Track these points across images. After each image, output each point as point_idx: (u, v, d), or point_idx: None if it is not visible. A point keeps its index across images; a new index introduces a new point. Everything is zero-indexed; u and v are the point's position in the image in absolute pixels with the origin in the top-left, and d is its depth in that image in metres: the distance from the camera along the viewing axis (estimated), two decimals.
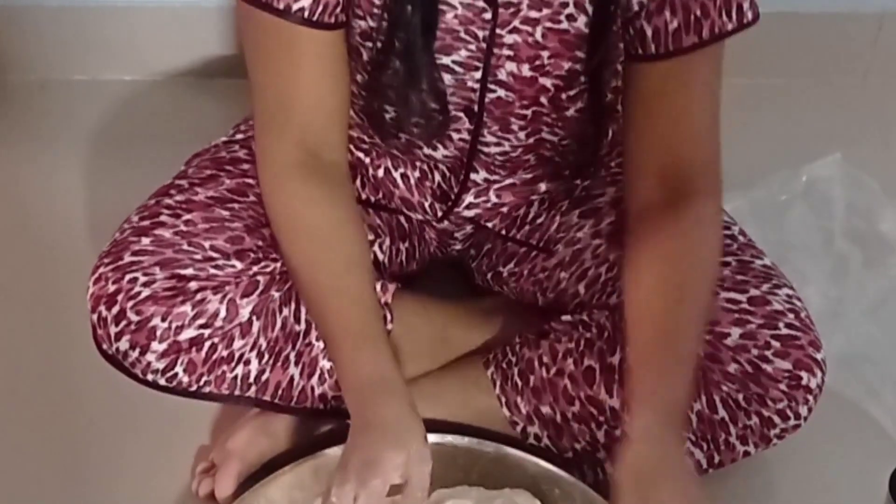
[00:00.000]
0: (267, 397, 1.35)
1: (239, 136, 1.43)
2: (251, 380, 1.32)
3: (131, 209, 1.33)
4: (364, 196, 1.44)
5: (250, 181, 1.34)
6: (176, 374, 1.28)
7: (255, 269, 1.28)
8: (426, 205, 1.44)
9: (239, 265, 1.27)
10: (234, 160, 1.38)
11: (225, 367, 1.30)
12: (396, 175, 1.43)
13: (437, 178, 1.41)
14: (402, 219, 1.47)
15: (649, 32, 1.20)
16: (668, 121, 1.24)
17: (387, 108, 1.29)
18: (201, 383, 1.30)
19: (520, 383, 1.37)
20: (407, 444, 1.15)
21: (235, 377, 1.31)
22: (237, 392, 1.33)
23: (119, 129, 2.01)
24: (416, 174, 1.42)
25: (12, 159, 1.94)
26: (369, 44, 1.24)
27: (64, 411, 1.53)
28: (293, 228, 1.26)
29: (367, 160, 1.41)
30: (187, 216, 1.29)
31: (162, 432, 1.48)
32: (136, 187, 1.39)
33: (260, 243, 1.29)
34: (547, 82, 1.27)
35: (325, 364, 1.35)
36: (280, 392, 1.35)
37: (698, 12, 1.19)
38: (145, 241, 1.26)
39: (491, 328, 1.50)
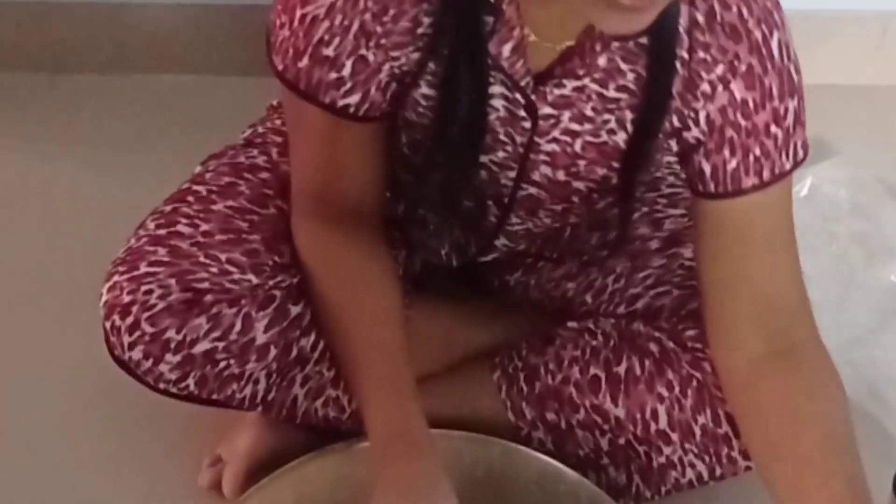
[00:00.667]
0: (272, 415, 1.36)
1: (258, 140, 1.41)
2: (258, 400, 1.32)
3: (144, 208, 1.32)
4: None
5: (269, 192, 1.32)
6: (187, 386, 1.28)
7: (271, 283, 1.26)
8: (442, 252, 1.44)
9: (255, 279, 1.25)
10: (253, 167, 1.36)
11: (235, 386, 1.29)
12: (414, 213, 1.41)
13: (457, 231, 1.41)
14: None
15: (707, 170, 1.19)
16: (756, 265, 1.21)
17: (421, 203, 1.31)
18: (211, 398, 1.30)
19: (525, 389, 1.38)
20: (434, 500, 1.16)
21: (244, 397, 1.31)
22: (245, 407, 1.34)
23: (131, 127, 2.02)
24: (436, 218, 1.40)
25: (22, 156, 1.95)
26: (413, 134, 1.25)
27: (74, 407, 1.55)
28: (328, 277, 1.25)
29: (388, 193, 1.38)
30: (205, 226, 1.27)
31: (172, 426, 1.49)
32: (150, 186, 1.39)
33: (277, 259, 1.27)
34: (580, 185, 1.27)
35: (332, 392, 1.36)
36: (284, 412, 1.35)
37: (758, 152, 1.17)
38: (161, 251, 1.24)
39: (498, 329, 1.51)
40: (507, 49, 1.14)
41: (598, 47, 1.15)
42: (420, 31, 1.14)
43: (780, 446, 1.19)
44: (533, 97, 1.19)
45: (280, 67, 1.17)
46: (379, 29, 1.13)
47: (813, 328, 1.24)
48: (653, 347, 1.34)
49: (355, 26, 1.13)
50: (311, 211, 1.26)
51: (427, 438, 1.21)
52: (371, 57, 1.15)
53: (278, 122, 1.42)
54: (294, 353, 1.30)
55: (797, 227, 1.35)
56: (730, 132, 1.17)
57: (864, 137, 2.00)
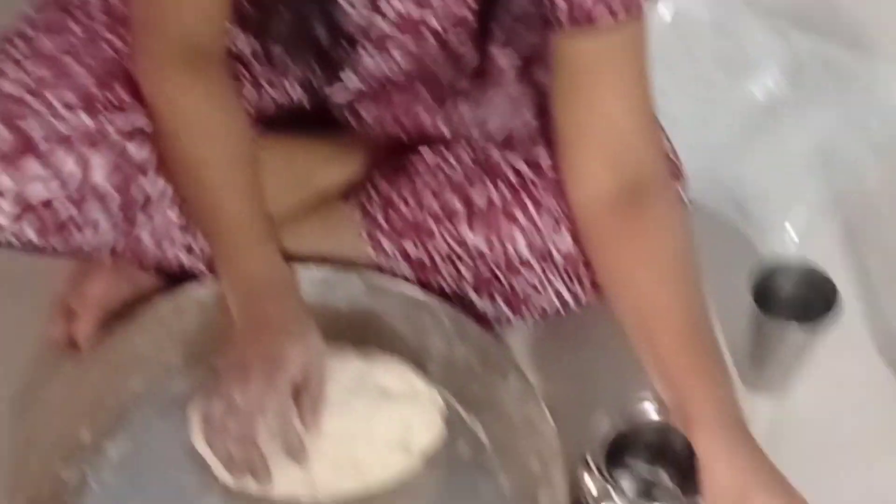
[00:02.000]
0: (121, 262, 1.33)
1: None
2: (103, 246, 1.29)
3: None
4: None
5: (102, 29, 1.27)
6: (27, 235, 1.23)
7: (107, 124, 1.22)
8: (286, 86, 1.39)
9: (89, 121, 1.21)
10: (85, 4, 1.30)
11: (77, 233, 1.26)
12: (258, 47, 1.37)
13: (305, 67, 1.35)
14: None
15: (561, 2, 1.17)
16: (608, 103, 1.21)
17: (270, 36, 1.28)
18: (52, 245, 1.26)
19: (383, 222, 1.36)
20: (306, 340, 1.18)
21: (88, 244, 1.27)
22: (91, 255, 1.30)
23: None
24: (283, 53, 1.35)
25: None
26: None
27: None
28: (179, 121, 1.23)
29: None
30: (33, 68, 1.22)
31: (15, 280, 1.45)
32: None
33: (112, 99, 1.23)
34: (434, 23, 1.25)
35: (179, 235, 1.33)
36: (133, 257, 1.32)
37: None
38: None
39: (354, 165, 1.48)
40: None
41: None
42: None
43: (623, 276, 1.22)
44: None
45: None
46: None
47: (662, 164, 1.26)
48: (509, 173, 1.32)
49: None
50: (154, 48, 1.22)
51: (290, 279, 1.23)
52: None
53: None
54: (137, 196, 1.26)
55: (662, 52, 1.35)
56: None
57: None
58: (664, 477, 1.24)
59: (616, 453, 1.20)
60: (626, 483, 1.22)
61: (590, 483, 1.18)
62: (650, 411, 1.20)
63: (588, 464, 1.18)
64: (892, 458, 1.37)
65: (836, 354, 1.38)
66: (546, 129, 1.33)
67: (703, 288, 1.21)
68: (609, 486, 1.16)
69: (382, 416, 1.21)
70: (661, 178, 1.25)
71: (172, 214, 1.31)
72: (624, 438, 1.20)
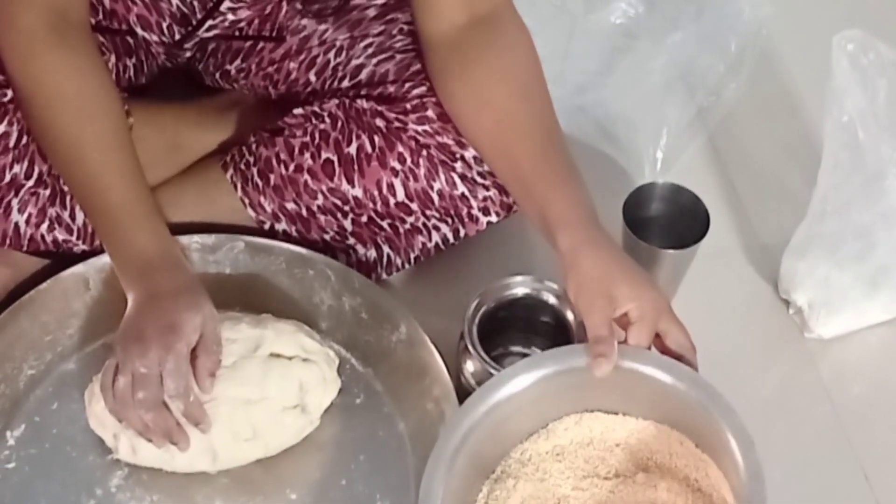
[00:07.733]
0: None
1: None
2: None
3: None
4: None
5: None
6: None
7: None
8: (164, 25, 1.37)
9: None
10: None
11: None
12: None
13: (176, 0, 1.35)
14: (126, 36, 1.40)
15: None
16: None
17: None
18: None
19: (260, 183, 1.36)
20: (199, 306, 1.19)
21: None
22: None
23: None
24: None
25: None
26: None
27: None
28: (53, 101, 1.21)
29: None
30: None
31: None
32: None
33: None
34: None
35: (53, 212, 1.32)
36: (8, 241, 1.31)
37: None
38: None
39: (225, 128, 1.49)
40: None
41: None
42: None
43: (481, 94, 1.25)
44: None
45: None
46: None
47: None
48: (379, 123, 1.32)
49: None
50: (22, 20, 1.20)
51: (179, 252, 1.24)
52: None
53: None
54: (7, 178, 1.26)
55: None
56: None
57: None
58: (537, 351, 1.31)
59: (491, 338, 1.26)
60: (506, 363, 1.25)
61: (468, 365, 1.24)
62: (517, 288, 1.27)
63: (467, 349, 1.23)
64: (776, 367, 1.43)
65: (710, 270, 1.44)
66: (413, 65, 1.34)
67: (553, 105, 1.28)
68: (483, 360, 1.21)
69: (276, 380, 1.22)
70: (508, 5, 1.29)
71: (45, 192, 1.30)
72: (496, 320, 1.26)
